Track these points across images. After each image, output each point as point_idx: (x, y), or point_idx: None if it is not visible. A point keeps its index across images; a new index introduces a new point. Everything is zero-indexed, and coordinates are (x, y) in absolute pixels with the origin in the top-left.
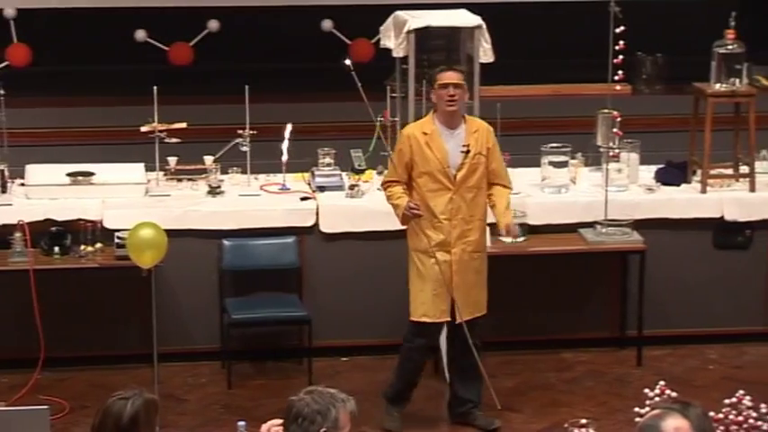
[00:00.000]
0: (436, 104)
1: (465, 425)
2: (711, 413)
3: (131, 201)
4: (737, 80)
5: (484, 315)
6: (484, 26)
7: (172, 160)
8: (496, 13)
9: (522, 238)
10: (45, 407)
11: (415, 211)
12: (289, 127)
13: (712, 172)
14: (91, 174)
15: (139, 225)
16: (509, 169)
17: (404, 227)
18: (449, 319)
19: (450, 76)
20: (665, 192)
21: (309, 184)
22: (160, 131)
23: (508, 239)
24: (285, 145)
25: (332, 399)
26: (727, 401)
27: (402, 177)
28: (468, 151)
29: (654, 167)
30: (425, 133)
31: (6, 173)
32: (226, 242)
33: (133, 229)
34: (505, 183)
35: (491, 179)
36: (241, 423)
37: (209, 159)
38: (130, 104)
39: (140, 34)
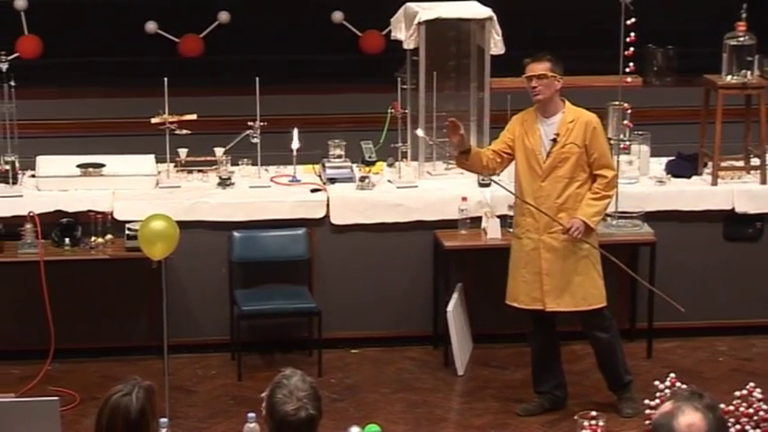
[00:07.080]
0: None
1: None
2: (722, 405)
3: (141, 192)
4: (748, 72)
5: (603, 307)
6: (494, 18)
7: (182, 152)
8: (506, 4)
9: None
10: (55, 398)
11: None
12: (295, 131)
13: (723, 164)
14: (101, 165)
15: (151, 217)
16: None
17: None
18: (540, 307)
19: (531, 69)
20: (676, 184)
21: (320, 176)
22: (170, 123)
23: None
24: (295, 145)
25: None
26: (737, 393)
27: (497, 146)
28: (555, 140)
29: (664, 159)
30: (525, 120)
31: (17, 164)
32: (236, 234)
33: (145, 221)
34: (603, 172)
35: (594, 170)
36: (251, 415)
37: (219, 151)
38: (141, 96)
39: (151, 26)
